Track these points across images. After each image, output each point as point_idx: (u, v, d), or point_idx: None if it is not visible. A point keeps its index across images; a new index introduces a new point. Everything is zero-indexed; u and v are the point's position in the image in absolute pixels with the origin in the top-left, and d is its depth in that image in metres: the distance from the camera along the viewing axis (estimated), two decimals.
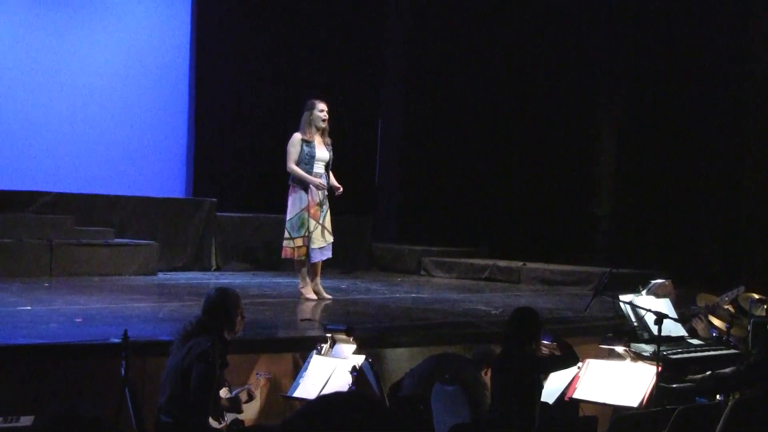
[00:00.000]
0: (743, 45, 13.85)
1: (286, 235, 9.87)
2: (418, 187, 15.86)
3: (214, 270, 12.81)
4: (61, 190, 12.18)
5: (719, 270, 13.50)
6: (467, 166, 15.60)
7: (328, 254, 9.94)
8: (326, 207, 9.90)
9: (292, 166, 9.76)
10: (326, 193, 9.91)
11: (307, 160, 9.75)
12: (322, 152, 9.84)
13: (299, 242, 9.79)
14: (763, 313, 8.24)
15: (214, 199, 13.12)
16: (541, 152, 15.17)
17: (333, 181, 9.95)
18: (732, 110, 13.96)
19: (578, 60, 15.02)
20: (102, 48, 13.43)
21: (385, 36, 16.00)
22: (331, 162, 9.93)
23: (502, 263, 13.36)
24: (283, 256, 10.01)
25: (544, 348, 7.08)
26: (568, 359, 6.84)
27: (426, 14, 15.88)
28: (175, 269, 12.36)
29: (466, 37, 15.58)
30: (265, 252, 13.14)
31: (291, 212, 9.83)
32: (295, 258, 9.86)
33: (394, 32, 16.03)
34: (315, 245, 9.81)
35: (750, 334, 7.45)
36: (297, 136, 9.83)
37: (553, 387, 7.10)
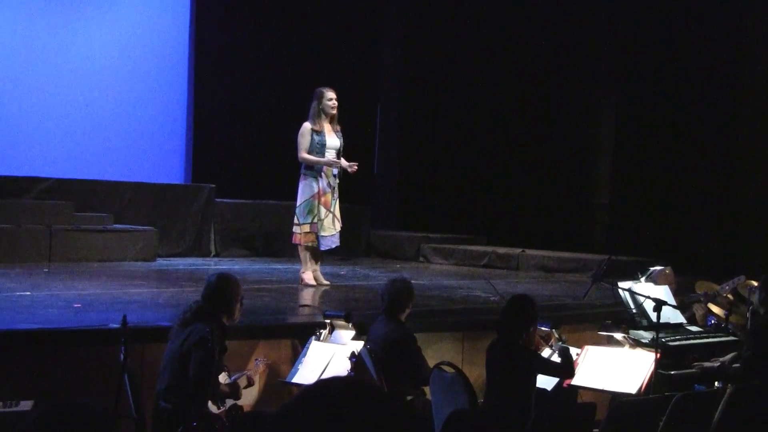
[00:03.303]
0: (742, 41, 13.84)
1: (295, 220, 9.90)
2: (417, 174, 15.84)
3: (213, 256, 12.81)
4: (61, 176, 12.17)
5: (717, 258, 13.51)
6: (466, 153, 15.58)
7: (337, 242, 9.96)
8: (337, 195, 9.91)
9: (304, 155, 9.77)
10: (337, 181, 9.92)
11: (318, 149, 9.75)
12: (333, 140, 9.85)
13: (306, 228, 9.80)
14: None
15: (213, 186, 13.11)
16: (541, 140, 15.16)
17: (344, 162, 9.95)
18: (730, 101, 13.95)
19: (578, 49, 14.99)
20: (102, 34, 13.41)
21: (383, 25, 15.98)
22: (342, 149, 9.94)
23: (500, 250, 13.36)
24: (293, 241, 10.03)
25: (539, 335, 7.10)
26: (563, 371, 6.86)
27: (423, 3, 15.84)
28: (173, 255, 12.36)
29: (464, 26, 15.55)
30: (264, 238, 13.15)
31: (300, 199, 9.85)
32: (303, 244, 9.87)
33: (391, 22, 16.01)
34: (325, 233, 9.82)
35: (749, 321, 7.46)
36: (306, 126, 9.82)
37: None
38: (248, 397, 6.85)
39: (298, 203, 9.89)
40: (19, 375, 6.26)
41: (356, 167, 9.99)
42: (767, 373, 6.26)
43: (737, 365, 6.90)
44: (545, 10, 15.11)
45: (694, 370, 7.32)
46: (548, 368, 6.82)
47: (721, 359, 7.37)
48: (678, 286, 8.48)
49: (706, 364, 7.32)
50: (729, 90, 13.91)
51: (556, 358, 7.13)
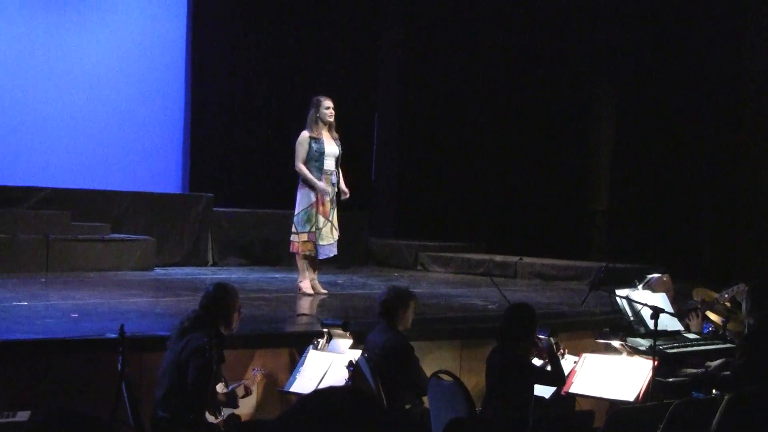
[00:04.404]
0: (740, 43, 13.86)
1: (293, 229, 9.89)
2: (415, 182, 15.85)
3: (211, 265, 12.79)
4: (58, 186, 12.17)
5: (715, 265, 13.52)
6: (464, 161, 15.60)
7: (335, 251, 9.96)
8: (335, 204, 9.92)
9: (300, 166, 9.75)
10: (336, 189, 9.92)
11: (317, 157, 9.75)
12: (332, 147, 9.85)
13: (305, 237, 9.79)
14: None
15: (210, 195, 13.11)
16: (538, 147, 15.18)
17: (342, 184, 9.95)
18: (728, 106, 13.97)
19: (575, 56, 15.02)
20: (98, 43, 13.42)
21: (381, 31, 15.98)
22: (340, 157, 9.93)
23: (498, 258, 13.35)
24: (290, 250, 10.02)
25: (538, 342, 7.10)
26: (555, 379, 6.87)
27: (422, 8, 15.86)
28: (171, 264, 12.35)
29: (463, 32, 15.57)
30: (262, 247, 13.14)
31: (299, 207, 9.84)
32: (301, 252, 9.86)
33: (389, 27, 16.01)
34: (324, 242, 9.81)
35: (746, 329, 7.46)
36: (305, 135, 9.82)
37: None
38: (246, 407, 6.84)
39: (296, 212, 9.89)
40: (17, 385, 6.25)
41: (347, 196, 9.99)
42: (761, 380, 6.26)
43: (727, 373, 6.90)
44: (544, 14, 15.11)
45: (685, 378, 7.32)
46: (541, 378, 6.82)
47: (709, 365, 7.39)
48: (676, 293, 8.47)
49: (690, 370, 7.33)
50: (728, 92, 13.93)
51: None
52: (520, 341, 6.60)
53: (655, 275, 8.48)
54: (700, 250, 13.91)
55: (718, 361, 7.42)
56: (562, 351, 7.31)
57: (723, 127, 13.99)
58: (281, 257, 12.45)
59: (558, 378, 6.91)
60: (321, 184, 9.70)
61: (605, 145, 15.05)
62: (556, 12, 15.03)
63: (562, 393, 7.17)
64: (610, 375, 7.14)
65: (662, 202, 14.20)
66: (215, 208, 13.10)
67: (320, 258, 9.94)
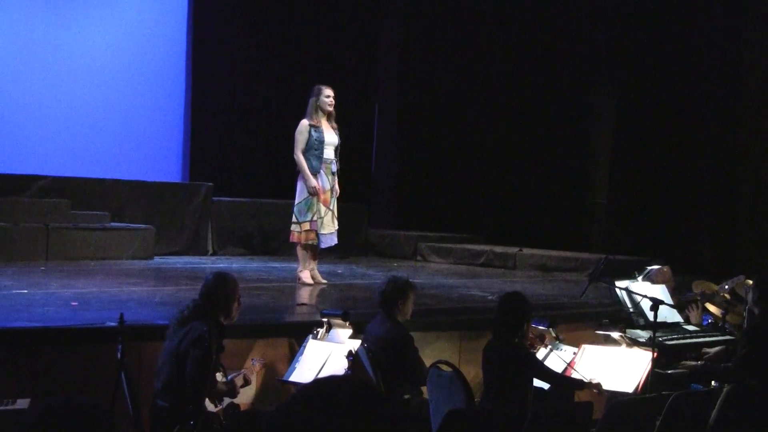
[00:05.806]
0: (740, 41, 13.84)
1: (294, 219, 9.87)
2: (414, 172, 15.85)
3: (211, 255, 12.80)
4: (58, 174, 12.16)
5: (715, 257, 13.52)
6: (464, 152, 15.59)
7: (335, 240, 9.95)
8: (336, 193, 9.91)
9: (299, 156, 9.74)
10: (336, 178, 9.91)
11: (316, 146, 9.74)
12: (331, 136, 9.84)
13: (306, 226, 9.78)
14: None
15: (210, 184, 13.10)
16: (539, 139, 15.17)
17: (335, 183, 9.94)
18: (728, 101, 13.95)
19: (576, 49, 14.99)
20: (100, 33, 13.40)
21: (382, 24, 15.97)
22: (339, 146, 9.92)
23: (498, 249, 13.36)
24: (290, 239, 10.01)
25: (533, 333, 7.10)
26: (558, 383, 6.84)
27: (421, 7, 15.83)
28: (171, 254, 12.35)
29: (463, 25, 15.55)
30: (261, 237, 13.14)
31: (299, 197, 9.83)
32: (302, 242, 9.85)
33: (389, 19, 16.00)
34: (325, 231, 9.81)
35: (745, 321, 7.46)
36: (304, 123, 9.81)
37: None
38: (245, 396, 6.85)
39: (296, 201, 9.87)
40: (17, 373, 6.26)
41: (338, 194, 9.96)
42: (762, 372, 6.27)
43: (728, 365, 6.90)
44: (544, 10, 15.10)
45: (684, 370, 7.33)
46: (542, 374, 6.80)
47: (706, 353, 7.39)
48: (675, 285, 8.48)
49: (689, 363, 7.33)
50: (727, 90, 13.91)
51: (551, 359, 7.13)
52: (516, 330, 6.58)
53: (655, 267, 8.49)
54: (700, 249, 13.90)
55: (716, 348, 7.43)
56: (554, 336, 7.32)
57: (723, 127, 13.96)
58: (281, 247, 12.46)
59: (560, 385, 6.86)
60: (314, 181, 9.69)
61: (605, 138, 15.05)
62: (555, 12, 15.01)
63: None
64: (610, 366, 7.15)
65: (662, 201, 14.19)
66: (215, 198, 13.10)
67: (322, 247, 9.93)
